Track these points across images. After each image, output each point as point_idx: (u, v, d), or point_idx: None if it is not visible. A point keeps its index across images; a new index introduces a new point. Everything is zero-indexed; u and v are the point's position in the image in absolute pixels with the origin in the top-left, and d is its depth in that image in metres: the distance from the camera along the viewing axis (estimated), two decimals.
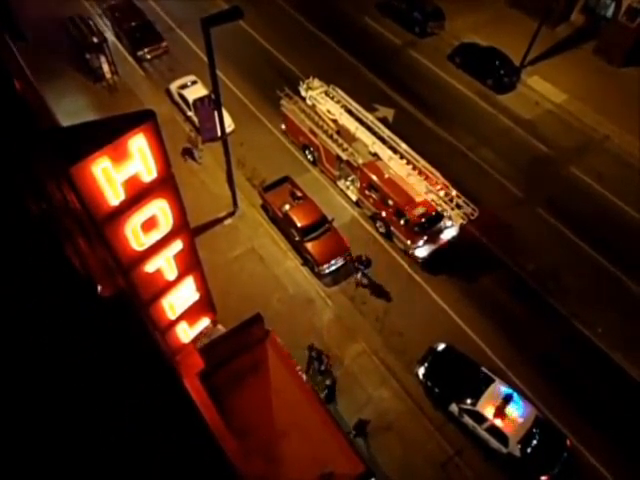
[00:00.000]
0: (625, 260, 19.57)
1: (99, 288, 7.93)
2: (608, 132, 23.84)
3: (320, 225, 19.20)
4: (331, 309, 18.19)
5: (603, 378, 16.98)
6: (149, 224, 8.22)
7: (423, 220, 18.32)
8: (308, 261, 19.20)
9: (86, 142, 6.87)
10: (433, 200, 18.16)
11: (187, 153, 22.05)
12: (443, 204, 18.03)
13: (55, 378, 7.00)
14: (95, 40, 23.93)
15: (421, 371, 16.55)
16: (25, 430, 6.53)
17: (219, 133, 18.20)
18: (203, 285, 10.36)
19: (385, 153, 19.44)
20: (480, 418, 15.16)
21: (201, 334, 11.60)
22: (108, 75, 24.58)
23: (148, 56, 26.17)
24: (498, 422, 14.88)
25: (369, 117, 20.81)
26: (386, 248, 19.96)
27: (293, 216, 19.22)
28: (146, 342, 8.40)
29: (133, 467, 7.03)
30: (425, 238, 18.68)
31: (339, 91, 21.73)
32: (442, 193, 18.34)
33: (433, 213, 18.43)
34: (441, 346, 16.95)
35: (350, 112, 20.90)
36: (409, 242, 18.81)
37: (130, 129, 7.08)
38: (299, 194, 20.14)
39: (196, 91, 22.76)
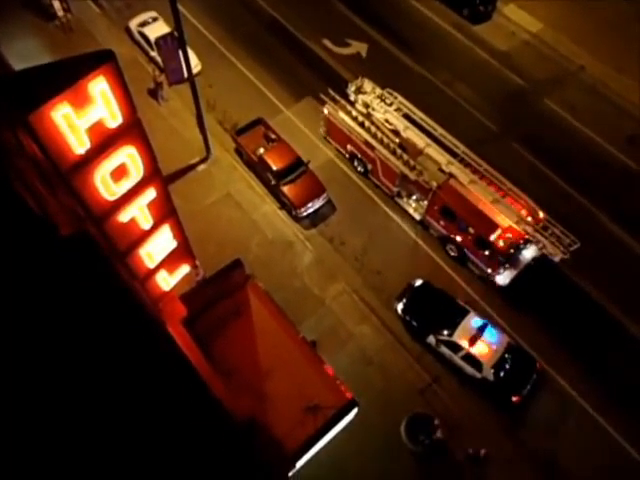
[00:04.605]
0: (595, 191, 20.02)
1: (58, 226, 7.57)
2: (583, 62, 23.60)
3: (296, 168, 18.95)
4: (310, 251, 18.37)
5: (569, 303, 17.84)
6: (119, 173, 7.97)
7: (512, 251, 16.68)
8: (285, 205, 19.11)
9: (43, 87, 6.46)
10: (525, 231, 16.26)
11: (151, 93, 21.06)
12: (538, 235, 16.06)
13: (26, 326, 6.93)
14: None
15: (400, 306, 17.11)
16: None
17: (185, 74, 17.36)
18: (180, 233, 10.26)
19: (464, 175, 17.09)
20: (456, 347, 15.93)
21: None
22: (60, 13, 22.84)
23: None
24: (473, 350, 15.68)
25: (437, 129, 17.99)
26: (355, 180, 19.93)
27: (268, 159, 18.88)
28: (112, 279, 8.25)
29: (122, 414, 7.21)
30: (507, 265, 17.20)
31: (398, 97, 18.70)
32: (529, 219, 16.45)
33: (521, 241, 16.71)
34: (418, 282, 17.45)
35: (414, 122, 18.12)
36: (490, 270, 17.34)
37: (89, 71, 6.66)
38: (273, 136, 19.69)
39: (158, 29, 21.46)
